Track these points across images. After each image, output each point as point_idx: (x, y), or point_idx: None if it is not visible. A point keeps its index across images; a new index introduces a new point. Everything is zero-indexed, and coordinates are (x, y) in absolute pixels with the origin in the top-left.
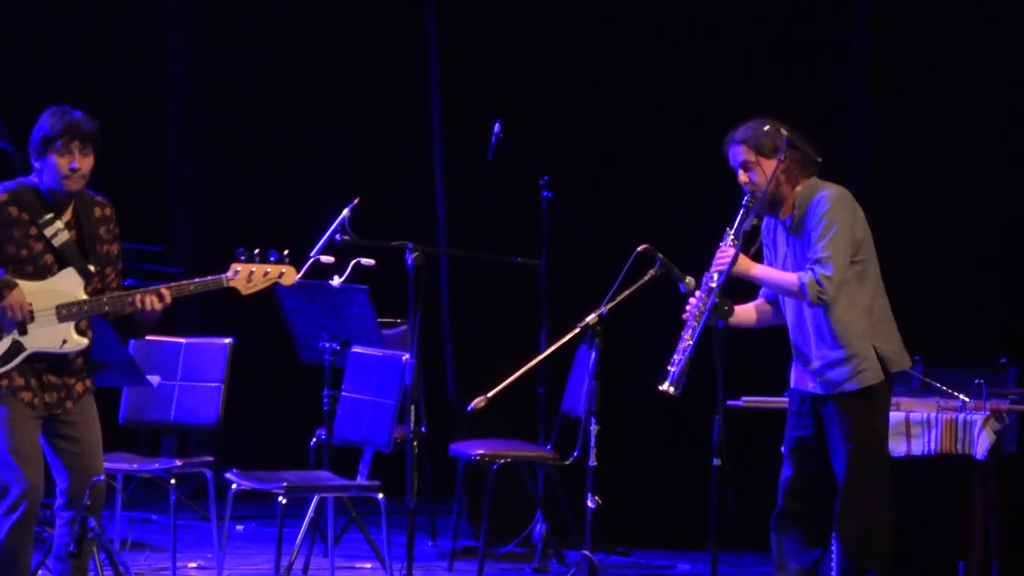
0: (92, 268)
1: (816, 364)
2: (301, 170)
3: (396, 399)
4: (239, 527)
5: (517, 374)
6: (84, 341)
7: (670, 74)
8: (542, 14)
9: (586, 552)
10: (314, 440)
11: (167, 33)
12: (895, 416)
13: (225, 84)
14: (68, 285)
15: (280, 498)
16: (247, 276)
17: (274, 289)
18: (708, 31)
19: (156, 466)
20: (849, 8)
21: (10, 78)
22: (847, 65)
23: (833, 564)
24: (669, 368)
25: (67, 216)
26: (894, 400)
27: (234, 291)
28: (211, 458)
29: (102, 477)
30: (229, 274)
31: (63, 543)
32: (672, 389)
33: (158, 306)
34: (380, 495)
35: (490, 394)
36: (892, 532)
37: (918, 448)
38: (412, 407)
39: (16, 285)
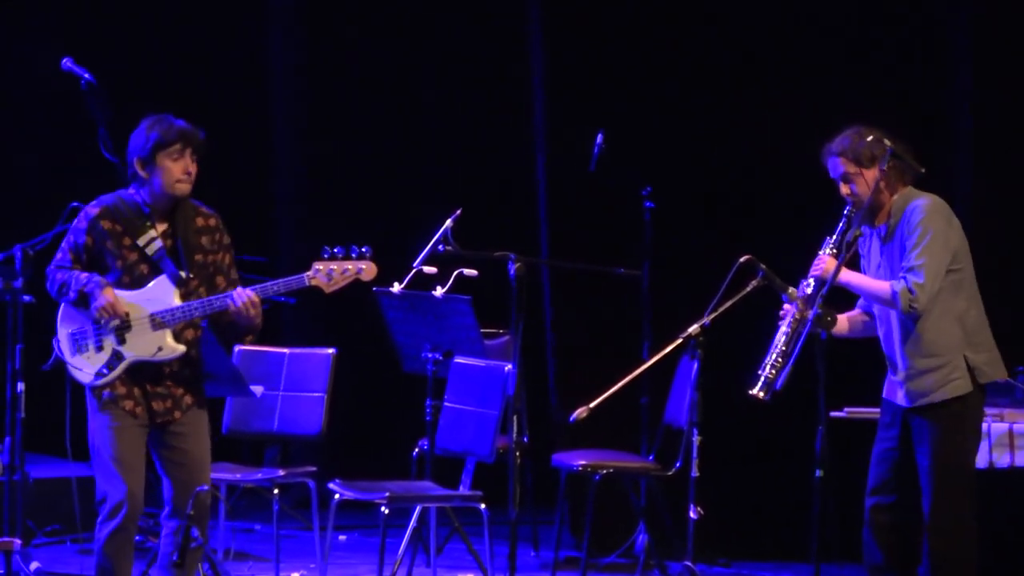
0: (184, 275)
1: (905, 373)
2: (405, 181)
3: (498, 409)
4: (342, 537)
5: (619, 384)
6: (180, 348)
7: (772, 83)
8: (645, 25)
9: (688, 563)
10: (416, 450)
11: (272, 46)
12: (999, 428)
13: (329, 98)
14: (161, 293)
15: (383, 508)
16: (327, 273)
17: (377, 299)
18: (809, 41)
19: (259, 476)
20: (953, 15)
21: (115, 91)
22: (949, 73)
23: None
24: (759, 372)
25: (164, 226)
26: (997, 411)
27: (319, 291)
28: (314, 468)
29: (206, 487)
30: (310, 272)
31: (168, 552)
32: (761, 394)
33: (247, 300)
34: (482, 505)
35: (592, 404)
36: (976, 543)
37: (1022, 459)
38: (514, 417)
39: (107, 285)
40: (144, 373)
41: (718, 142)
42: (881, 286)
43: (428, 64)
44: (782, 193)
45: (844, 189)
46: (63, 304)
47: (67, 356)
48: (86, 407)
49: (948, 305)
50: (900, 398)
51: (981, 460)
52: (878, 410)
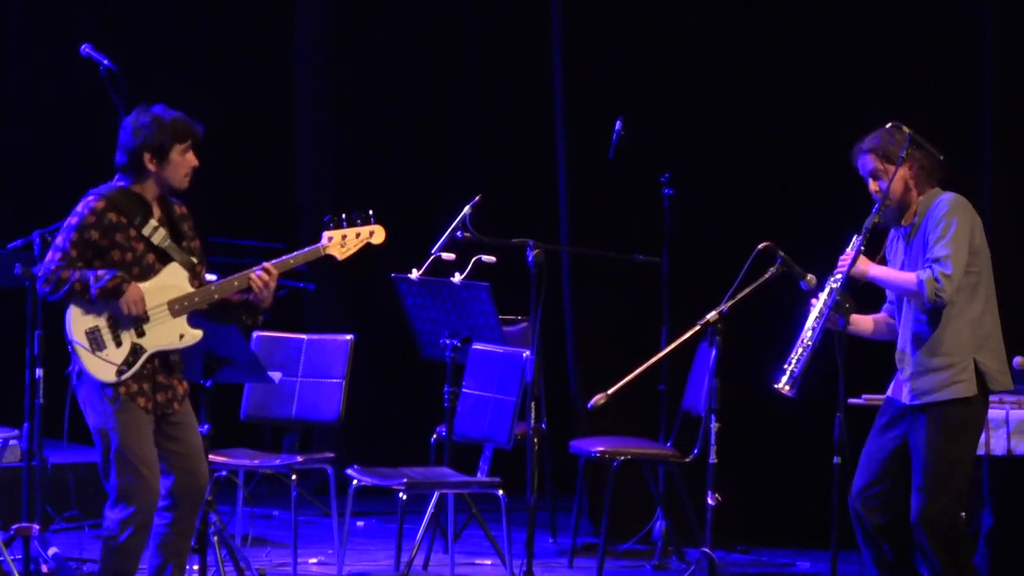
0: (194, 260)
1: (912, 371)
2: (424, 168)
3: (517, 396)
4: (360, 523)
5: (638, 371)
6: (199, 333)
7: (791, 69)
8: (664, 12)
9: (706, 550)
10: (435, 437)
11: (297, 31)
12: (1017, 415)
13: (351, 85)
14: (175, 280)
15: (401, 494)
16: (340, 241)
17: (395, 286)
18: (831, 31)
19: (278, 462)
20: (976, 11)
21: (136, 77)
22: (974, 70)
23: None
24: (785, 367)
25: (157, 213)
26: (1016, 398)
27: (332, 260)
28: (332, 454)
29: (224, 473)
30: (324, 242)
31: (158, 543)
32: (787, 388)
33: (269, 281)
34: (500, 492)
35: (610, 391)
36: (967, 533)
37: None
38: (533, 404)
39: (132, 281)
40: (151, 365)
41: (737, 129)
42: (907, 277)
43: (449, 51)
44: (801, 180)
45: (873, 186)
46: (73, 304)
47: (85, 356)
48: (82, 399)
49: (964, 307)
50: (905, 395)
51: (999, 447)
52: None
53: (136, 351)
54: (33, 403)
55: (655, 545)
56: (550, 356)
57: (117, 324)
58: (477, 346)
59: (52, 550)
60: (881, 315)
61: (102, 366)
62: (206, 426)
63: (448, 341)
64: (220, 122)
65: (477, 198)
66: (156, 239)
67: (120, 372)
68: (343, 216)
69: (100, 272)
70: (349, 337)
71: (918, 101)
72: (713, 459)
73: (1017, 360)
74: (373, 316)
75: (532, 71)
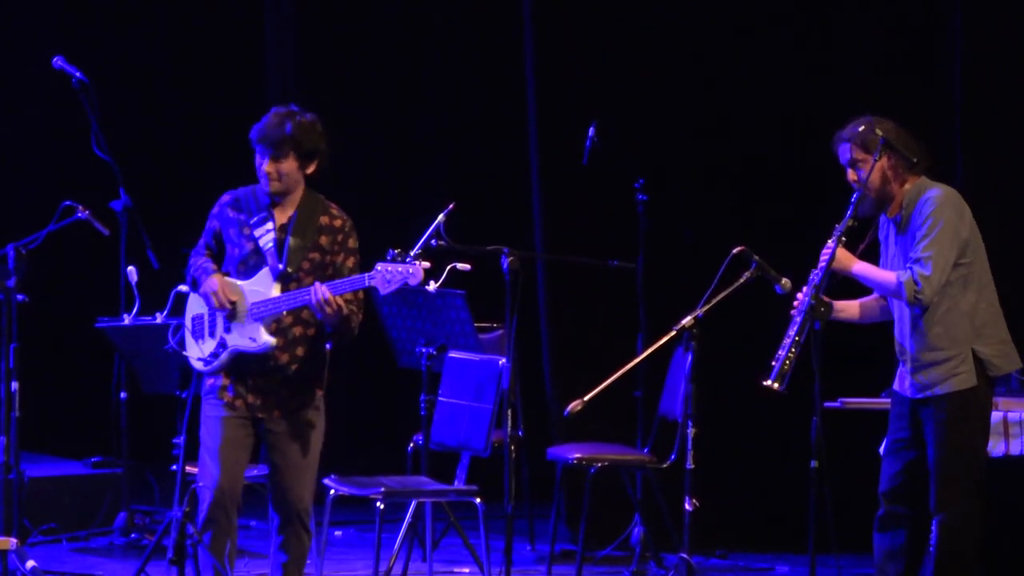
0: (283, 269)
1: (912, 364)
2: (398, 176)
3: (493, 403)
4: (337, 533)
5: (614, 377)
6: (270, 340)
7: (764, 75)
8: (637, 18)
9: (684, 555)
10: (412, 445)
11: (267, 41)
12: (993, 416)
13: (323, 93)
14: (263, 285)
15: (378, 503)
16: (384, 276)
17: (371, 295)
18: (804, 32)
19: (255, 473)
20: (944, 11)
21: (111, 81)
22: (943, 68)
23: (929, 560)
24: (773, 363)
25: (283, 219)
26: (993, 400)
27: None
28: None
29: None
30: (371, 273)
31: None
32: (776, 385)
33: (323, 304)
34: (478, 499)
35: (587, 397)
36: (981, 536)
37: (1016, 448)
38: (509, 411)
39: (217, 271)
40: (249, 366)
41: (711, 133)
42: (887, 276)
43: (422, 58)
44: (775, 184)
45: (851, 175)
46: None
47: (187, 339)
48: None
49: (956, 300)
50: (908, 388)
51: None
52: (873, 400)
53: (221, 346)
54: (9, 416)
55: (633, 551)
56: (526, 363)
57: (216, 317)
58: (453, 354)
59: (30, 563)
60: (872, 297)
61: (192, 354)
62: (182, 437)
63: (424, 349)
64: (189, 128)
65: (451, 206)
66: (263, 242)
67: (204, 362)
68: (398, 251)
69: (200, 262)
70: (325, 347)
71: (892, 105)
72: (690, 464)
73: None
74: None
75: (504, 77)
